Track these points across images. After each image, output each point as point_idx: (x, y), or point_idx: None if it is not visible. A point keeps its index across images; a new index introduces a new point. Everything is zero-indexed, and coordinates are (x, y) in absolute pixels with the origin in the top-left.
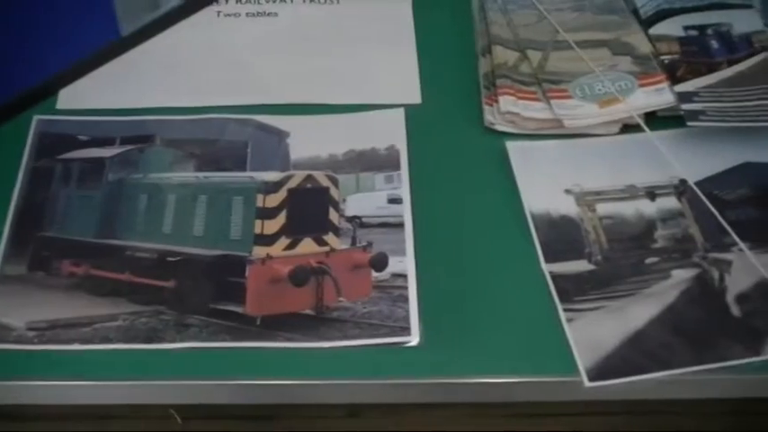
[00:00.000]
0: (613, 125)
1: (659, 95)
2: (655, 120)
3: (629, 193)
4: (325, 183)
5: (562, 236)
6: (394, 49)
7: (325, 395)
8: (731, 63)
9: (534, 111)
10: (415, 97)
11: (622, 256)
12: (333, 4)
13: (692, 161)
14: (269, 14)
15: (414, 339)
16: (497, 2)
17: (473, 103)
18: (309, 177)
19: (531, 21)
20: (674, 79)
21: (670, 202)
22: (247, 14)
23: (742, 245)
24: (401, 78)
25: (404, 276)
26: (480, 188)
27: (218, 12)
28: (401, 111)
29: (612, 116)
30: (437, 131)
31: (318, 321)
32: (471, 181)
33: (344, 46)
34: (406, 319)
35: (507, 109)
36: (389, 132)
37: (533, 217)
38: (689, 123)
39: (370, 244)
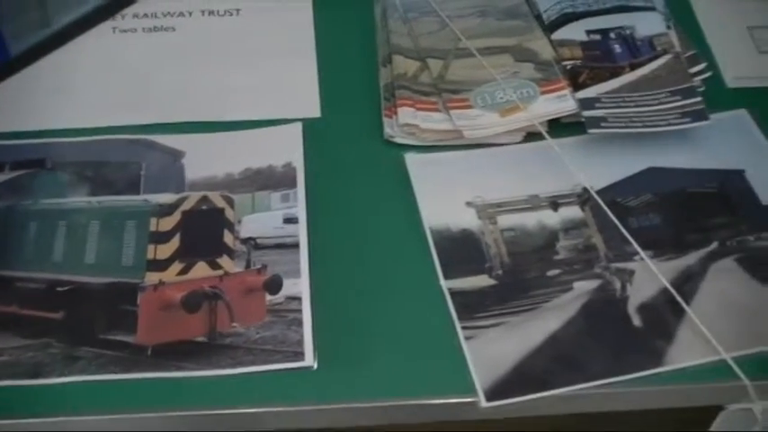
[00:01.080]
0: (516, 134)
1: (561, 102)
2: (559, 126)
3: (532, 203)
4: (220, 204)
5: (462, 250)
6: (294, 62)
7: (216, 424)
8: (634, 67)
9: (434, 122)
10: (314, 111)
11: (524, 270)
12: (232, 16)
13: (595, 168)
14: (166, 29)
15: (308, 364)
16: (399, 10)
17: (374, 115)
18: (205, 198)
19: (432, 28)
20: (577, 85)
21: (573, 212)
22: (144, 30)
23: (643, 254)
24: (300, 92)
25: (298, 299)
26: (379, 204)
27: (114, 28)
28: (299, 126)
29: (514, 125)
30: (336, 146)
31: (211, 348)
32: (370, 197)
33: (243, 60)
34: (300, 343)
35: (406, 121)
36: (286, 149)
37: (432, 232)
38: (590, 131)
39: (264, 266)
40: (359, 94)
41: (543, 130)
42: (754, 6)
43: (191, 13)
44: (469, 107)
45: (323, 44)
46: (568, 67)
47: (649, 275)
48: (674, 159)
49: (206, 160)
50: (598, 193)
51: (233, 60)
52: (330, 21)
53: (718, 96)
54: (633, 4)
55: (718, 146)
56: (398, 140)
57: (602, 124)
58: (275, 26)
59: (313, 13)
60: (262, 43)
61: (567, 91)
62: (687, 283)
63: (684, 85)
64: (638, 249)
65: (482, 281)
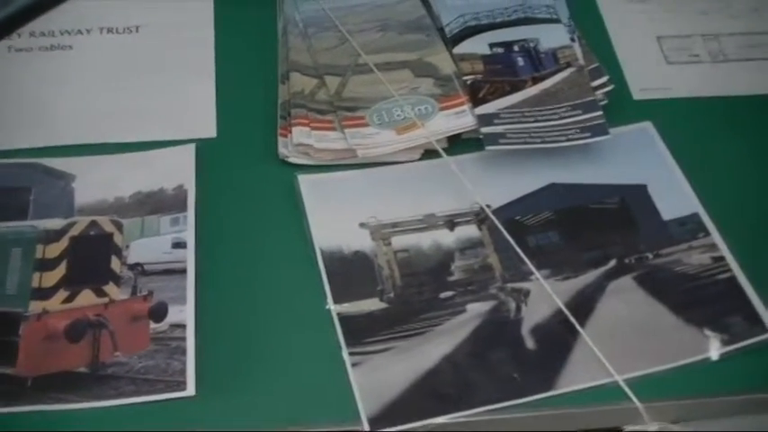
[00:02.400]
0: (414, 151)
1: (460, 118)
2: (461, 143)
3: (428, 223)
4: (109, 228)
5: (354, 273)
6: (192, 80)
7: None
8: (537, 80)
9: (329, 141)
10: (210, 131)
11: (416, 292)
12: (131, 33)
13: (495, 185)
14: (63, 48)
15: (189, 393)
16: (299, 26)
17: (271, 134)
18: (93, 223)
19: (332, 44)
20: (477, 100)
21: (470, 231)
22: (41, 48)
23: (537, 273)
24: (197, 111)
25: (183, 326)
26: (271, 227)
27: (9, 47)
28: (191, 147)
29: (411, 143)
30: (231, 167)
31: (93, 379)
32: (262, 219)
33: (140, 78)
34: (183, 372)
35: (300, 141)
36: (178, 171)
37: (323, 254)
38: (487, 147)
39: (150, 293)
40: (257, 112)
41: (440, 147)
42: (665, 15)
43: (89, 31)
44: (365, 125)
45: (223, 62)
46: (469, 81)
47: (545, 295)
48: (576, 175)
49: (97, 184)
50: (497, 210)
51: (130, 79)
52: (231, 37)
53: (624, 109)
54: (538, 16)
55: (622, 160)
56: (293, 160)
57: (501, 140)
58: (175, 43)
59: (214, 30)
60: (160, 61)
61: (466, 106)
62: (584, 302)
63: (586, 99)
64: (533, 269)
65: (373, 304)
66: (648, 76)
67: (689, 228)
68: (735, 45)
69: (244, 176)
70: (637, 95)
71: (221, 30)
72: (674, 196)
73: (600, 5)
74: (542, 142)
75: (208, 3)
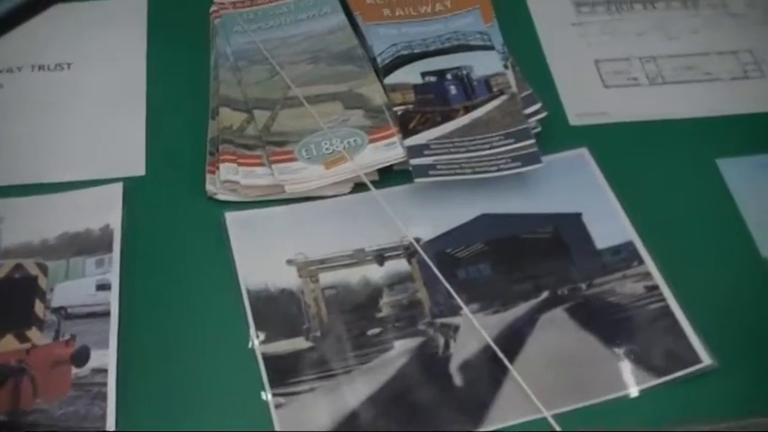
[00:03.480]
0: (344, 185)
1: (389, 151)
2: (393, 174)
3: (357, 258)
4: (34, 271)
5: (280, 311)
6: (122, 117)
7: None
8: (469, 109)
9: (256, 177)
10: (138, 169)
11: (343, 330)
12: (63, 70)
13: (426, 217)
14: None
15: None
16: (230, 59)
17: (200, 171)
18: (18, 267)
19: (262, 77)
20: (407, 131)
21: (400, 266)
22: None
23: (465, 308)
24: (126, 149)
25: (104, 371)
26: (198, 266)
27: None
28: (119, 186)
29: (339, 177)
30: (159, 205)
31: (13, 428)
32: (190, 258)
33: (71, 116)
34: (103, 418)
35: (227, 177)
36: (105, 210)
37: (249, 293)
38: (416, 180)
39: (73, 337)
40: (187, 149)
41: (368, 180)
42: (603, 39)
43: (20, 69)
44: (294, 160)
45: (154, 98)
46: (399, 112)
47: (475, 330)
48: (509, 204)
49: (23, 226)
50: (428, 243)
51: (60, 117)
52: (164, 73)
53: (561, 135)
54: (472, 44)
55: (557, 188)
56: (221, 197)
57: (430, 172)
58: (106, 80)
59: (146, 66)
60: (91, 98)
61: (396, 138)
62: (514, 336)
63: (518, 128)
64: (461, 303)
65: (298, 343)
66: (585, 100)
67: (623, 256)
68: (672, 67)
69: (171, 215)
70: (573, 121)
71: (153, 65)
72: (609, 224)
73: (538, 30)
74: (473, 173)
75: (141, 38)
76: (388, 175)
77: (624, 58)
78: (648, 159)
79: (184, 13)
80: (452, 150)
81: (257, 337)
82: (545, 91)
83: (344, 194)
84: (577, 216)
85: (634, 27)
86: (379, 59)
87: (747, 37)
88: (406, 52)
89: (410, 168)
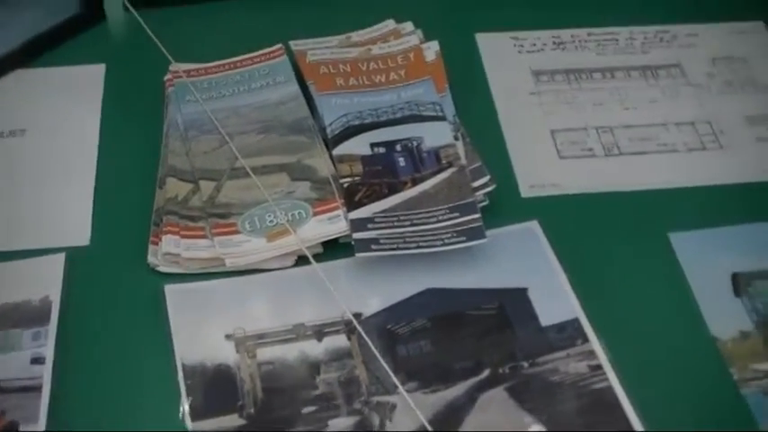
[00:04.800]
0: (287, 258)
1: (333, 224)
2: (338, 247)
3: (296, 333)
4: None
5: (215, 388)
6: (71, 186)
7: None
8: (416, 182)
9: (198, 249)
10: (83, 239)
11: (278, 407)
12: (16, 137)
13: (369, 291)
14: None
15: None
16: (180, 128)
17: (144, 242)
18: None
19: (211, 147)
20: (352, 204)
21: (339, 341)
22: None
23: (401, 387)
24: (71, 218)
25: None
26: (135, 340)
27: None
28: (61, 256)
29: (282, 250)
30: (101, 276)
31: None
32: (127, 332)
33: (20, 184)
34: None
35: (168, 250)
36: (45, 281)
37: (185, 369)
38: (358, 254)
39: (3, 413)
40: (133, 219)
41: (309, 254)
42: (560, 108)
43: None
44: (236, 232)
45: (105, 166)
46: (345, 184)
47: (412, 409)
48: (455, 279)
49: None
50: (369, 318)
51: (9, 185)
52: (117, 141)
53: (512, 207)
54: (424, 114)
55: (505, 262)
56: (162, 269)
57: (373, 246)
58: (59, 147)
59: (99, 134)
60: (42, 166)
61: (340, 211)
62: (451, 416)
63: (465, 201)
64: (396, 382)
65: (232, 421)
66: (539, 172)
67: (568, 334)
68: (629, 138)
69: (112, 286)
70: (525, 193)
71: (107, 133)
72: (555, 300)
73: (495, 99)
74: (417, 247)
75: (96, 105)
76: (334, 248)
77: (581, 128)
78: (600, 232)
79: (141, 82)
80: (397, 224)
81: (190, 414)
82: (499, 162)
83: (288, 268)
84: (523, 291)
85: (592, 97)
86: (328, 130)
87: (706, 107)
88: (356, 122)
89: (352, 243)
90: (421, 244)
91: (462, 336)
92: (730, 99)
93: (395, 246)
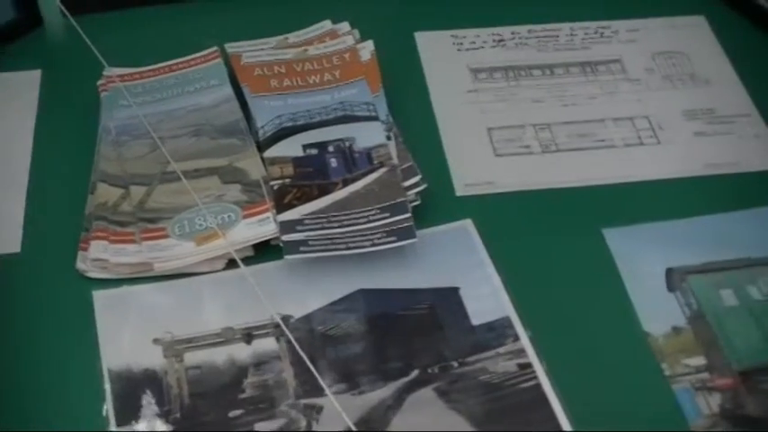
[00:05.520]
0: (217, 262)
1: (262, 227)
2: (269, 250)
3: (225, 337)
4: None
5: (141, 393)
6: (2, 193)
7: None
8: (347, 182)
9: (127, 255)
10: (14, 246)
11: (204, 412)
12: None
13: (300, 293)
14: None
15: None
16: (112, 134)
17: (75, 248)
18: None
19: (142, 152)
20: (282, 206)
21: (268, 344)
22: None
23: (327, 389)
24: (2, 225)
25: None
26: (63, 347)
27: None
28: None
29: (210, 254)
30: (31, 283)
31: None
32: (54, 339)
33: None
34: None
35: (96, 255)
36: None
37: (111, 374)
38: (286, 257)
39: None
40: (65, 226)
41: (238, 257)
42: (498, 106)
43: None
44: (165, 237)
45: (38, 173)
46: (275, 186)
47: (339, 411)
48: (388, 280)
49: None
50: (300, 320)
51: None
52: (50, 147)
53: (447, 206)
54: (357, 114)
55: (438, 262)
56: (91, 275)
57: (302, 248)
58: None
59: (33, 140)
60: None
61: (269, 214)
62: (378, 418)
63: (396, 201)
64: (322, 384)
65: (158, 426)
66: (474, 170)
67: (498, 333)
68: (567, 134)
69: (42, 293)
70: (460, 191)
71: (41, 139)
72: (487, 299)
73: (432, 98)
74: (347, 248)
75: (31, 111)
76: (266, 251)
77: (518, 125)
78: (534, 230)
79: (76, 87)
80: (327, 225)
81: (115, 419)
82: (434, 161)
83: (218, 271)
84: (455, 291)
85: (531, 94)
86: (260, 132)
87: (645, 103)
88: (289, 124)
89: (281, 245)
90: (350, 245)
91: (392, 336)
92: (669, 94)
93: (324, 247)
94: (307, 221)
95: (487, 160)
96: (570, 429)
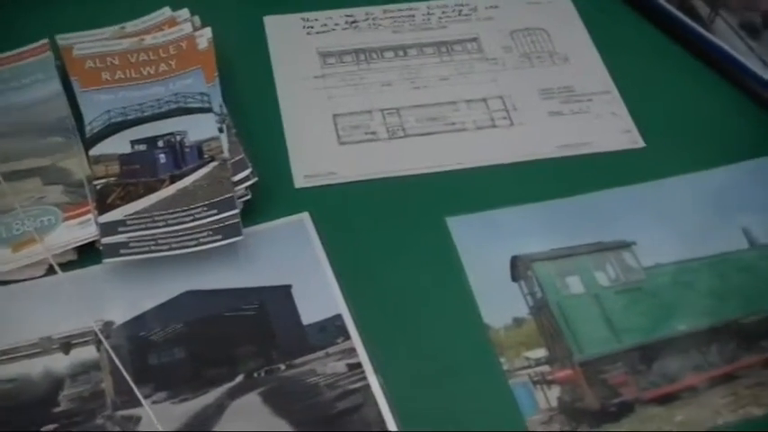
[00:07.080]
0: (37, 268)
1: (83, 229)
2: (94, 254)
3: (42, 347)
4: None
5: None
6: None
7: None
8: (175, 179)
9: None
10: None
11: (15, 428)
12: None
13: (122, 298)
14: None
15: None
16: None
17: None
18: None
19: None
20: (105, 207)
21: (88, 353)
22: None
23: (142, 399)
24: None
25: None
26: None
27: None
28: None
29: (29, 259)
30: None
31: None
32: None
33: None
34: None
35: None
36: None
37: None
38: (104, 260)
39: None
40: None
41: (55, 263)
42: (345, 91)
43: None
44: None
45: None
46: (99, 186)
47: (158, 422)
48: (218, 279)
49: None
50: (121, 327)
51: None
52: None
53: (285, 200)
54: (190, 106)
55: (270, 259)
56: None
57: (122, 251)
58: None
59: None
60: None
61: (91, 215)
62: (200, 427)
63: (224, 197)
64: (138, 394)
65: None
66: (316, 160)
67: (329, 332)
68: (416, 119)
69: None
70: (300, 183)
71: None
72: (319, 297)
73: (277, 86)
74: (170, 249)
75: None
76: (90, 255)
77: (365, 111)
78: (375, 221)
79: None
80: (150, 225)
81: None
82: (275, 152)
83: (38, 277)
84: (287, 289)
85: (381, 77)
86: (87, 129)
87: (500, 83)
88: (118, 119)
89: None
90: (174, 245)
91: (218, 339)
92: (526, 73)
93: (146, 249)
94: (129, 222)
95: (331, 149)
96: (395, 430)
